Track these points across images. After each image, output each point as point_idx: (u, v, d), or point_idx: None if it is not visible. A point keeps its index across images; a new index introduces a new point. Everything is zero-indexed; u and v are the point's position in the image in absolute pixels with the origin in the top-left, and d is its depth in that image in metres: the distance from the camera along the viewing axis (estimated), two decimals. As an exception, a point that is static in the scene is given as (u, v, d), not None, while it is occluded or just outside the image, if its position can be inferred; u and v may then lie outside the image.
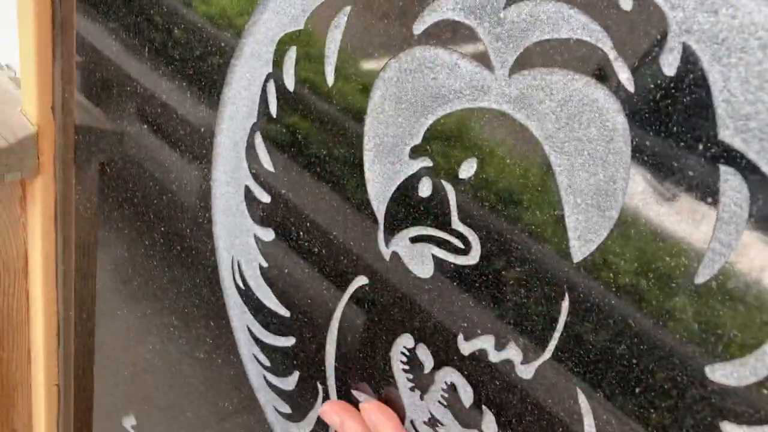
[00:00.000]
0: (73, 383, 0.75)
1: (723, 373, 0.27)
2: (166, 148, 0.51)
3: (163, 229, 0.54)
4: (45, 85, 0.58)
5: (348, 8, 0.36)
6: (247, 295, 0.48)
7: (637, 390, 0.29)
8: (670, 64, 0.26)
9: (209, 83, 0.45)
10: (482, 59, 0.31)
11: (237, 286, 0.49)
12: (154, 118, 0.51)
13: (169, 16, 0.47)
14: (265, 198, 0.44)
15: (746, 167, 0.25)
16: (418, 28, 0.33)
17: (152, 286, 0.58)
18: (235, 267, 0.48)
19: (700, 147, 0.26)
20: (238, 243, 0.47)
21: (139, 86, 0.52)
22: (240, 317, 0.49)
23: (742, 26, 0.24)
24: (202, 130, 0.47)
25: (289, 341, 0.46)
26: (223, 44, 0.43)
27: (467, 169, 0.33)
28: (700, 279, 0.27)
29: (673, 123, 0.26)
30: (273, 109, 0.41)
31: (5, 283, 0.71)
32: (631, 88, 0.27)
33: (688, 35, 0.25)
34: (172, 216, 0.53)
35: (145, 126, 0.52)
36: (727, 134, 0.25)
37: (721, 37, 0.24)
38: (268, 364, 0.48)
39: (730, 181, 0.25)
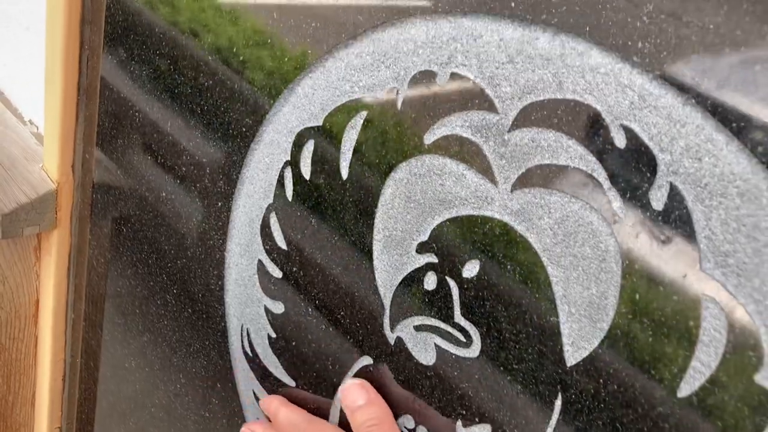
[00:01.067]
0: (75, 428, 0.76)
1: (702, 481, 0.29)
2: (184, 216, 0.54)
3: (175, 290, 0.56)
4: (67, 145, 0.61)
5: (364, 113, 0.38)
6: (254, 361, 0.50)
7: (622, 489, 0.32)
8: (658, 199, 0.28)
9: (228, 163, 0.48)
10: (486, 173, 0.34)
11: (245, 353, 0.51)
12: (174, 187, 0.54)
13: (193, 95, 0.50)
14: (277, 273, 0.47)
15: (724, 297, 0.27)
16: (429, 138, 0.36)
17: (162, 344, 0.60)
18: (244, 334, 0.51)
19: (685, 276, 0.28)
20: (248, 312, 0.50)
21: (160, 156, 0.55)
22: (246, 382, 0.51)
23: (723, 174, 0.27)
24: (219, 204, 0.50)
25: (293, 409, 0.48)
26: (244, 129, 0.46)
27: (470, 270, 0.36)
28: (682, 393, 0.29)
29: (660, 252, 0.29)
30: (289, 194, 0.44)
31: (16, 329, 0.73)
32: (622, 216, 0.30)
33: (675, 176, 0.28)
34: (186, 279, 0.55)
35: (164, 194, 0.55)
36: (708, 267, 0.28)
37: (704, 181, 0.27)
38: (272, 429, 0.50)
39: (711, 309, 0.28)
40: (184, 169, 0.52)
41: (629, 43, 0.28)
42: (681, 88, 0.27)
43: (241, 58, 0.46)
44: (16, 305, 0.71)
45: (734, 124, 0.26)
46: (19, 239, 0.67)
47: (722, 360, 0.28)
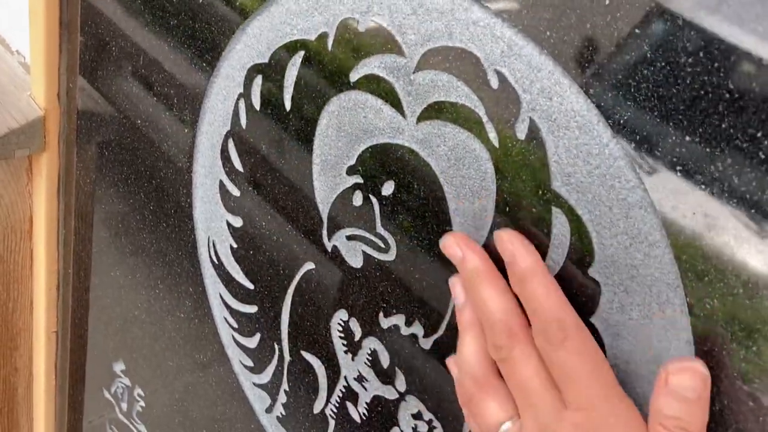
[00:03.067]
0: (70, 331, 0.85)
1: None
2: (156, 141, 0.60)
3: (152, 207, 0.64)
4: (52, 75, 0.67)
5: (302, 52, 0.45)
6: (219, 268, 0.58)
7: (499, 362, 0.40)
8: (521, 131, 0.35)
9: (193, 94, 0.54)
10: (398, 107, 0.40)
11: (211, 261, 0.59)
12: (147, 116, 0.60)
13: (161, 33, 0.56)
14: (235, 192, 0.54)
15: (568, 210, 0.35)
16: (353, 76, 0.42)
17: (142, 255, 0.67)
18: (210, 245, 0.58)
19: (540, 192, 0.35)
20: (213, 226, 0.57)
21: (135, 88, 0.61)
22: (213, 286, 0.59)
23: (567, 111, 0.33)
24: (186, 131, 0.56)
25: (252, 309, 0.56)
26: (204, 64, 0.52)
27: (387, 188, 0.43)
28: (540, 285, 0.37)
29: (523, 173, 0.36)
30: (243, 122, 0.51)
31: (12, 242, 0.80)
32: (496, 144, 0.36)
33: (533, 112, 0.35)
34: (160, 197, 0.62)
35: (139, 121, 0.62)
36: (557, 185, 0.35)
37: (554, 116, 0.34)
38: (235, 325, 0.59)
39: (559, 218, 0.35)
40: (155, 99, 0.59)
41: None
42: (538, 40, 0.34)
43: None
44: (12, 221, 0.79)
45: (573, 71, 0.33)
46: (12, 161, 0.74)
47: (566, 258, 0.35)
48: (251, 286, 0.56)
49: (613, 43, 0.32)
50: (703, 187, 0.30)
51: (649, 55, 0.30)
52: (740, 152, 0.29)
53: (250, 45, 0.48)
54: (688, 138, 0.30)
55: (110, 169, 0.68)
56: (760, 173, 0.28)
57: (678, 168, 0.31)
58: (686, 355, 0.32)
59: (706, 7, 0.28)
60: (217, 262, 0.58)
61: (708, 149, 0.29)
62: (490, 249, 0.38)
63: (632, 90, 0.31)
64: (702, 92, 0.29)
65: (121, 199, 0.68)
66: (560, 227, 0.35)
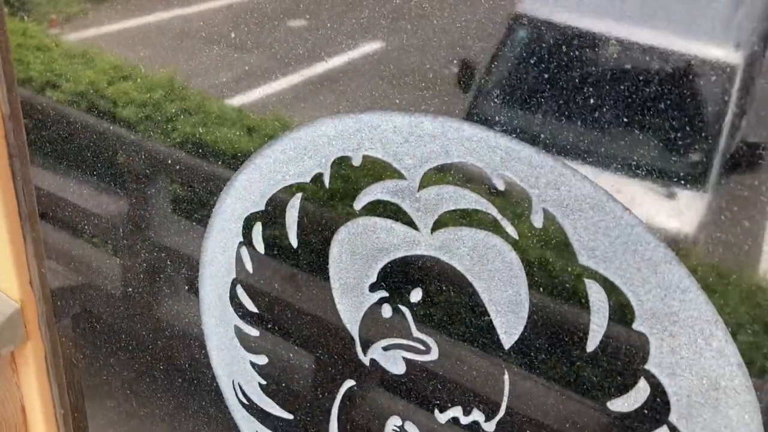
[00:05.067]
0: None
1: (617, 404, 0.41)
2: (154, 304, 0.61)
3: (162, 366, 0.64)
4: (21, 266, 0.67)
5: (300, 194, 0.47)
6: (251, 407, 0.59)
7: (567, 426, 0.43)
8: (538, 220, 0.39)
9: (187, 252, 0.56)
10: (410, 223, 0.44)
11: (240, 402, 0.59)
12: (138, 282, 0.61)
13: (139, 201, 0.57)
14: (253, 332, 0.55)
15: (600, 278, 0.38)
16: (358, 205, 0.45)
17: (160, 414, 0.67)
18: (237, 387, 0.59)
19: (569, 269, 0.39)
20: (236, 369, 0.58)
21: (119, 256, 0.61)
22: (248, 426, 0.60)
23: (576, 196, 0.37)
24: (186, 288, 0.57)
25: (297, 437, 0.57)
26: (194, 223, 0.54)
27: (416, 296, 0.46)
28: (590, 349, 0.40)
29: (548, 255, 0.39)
30: (249, 267, 0.53)
31: (9, 439, 0.77)
32: (515, 236, 0.40)
33: (545, 203, 0.38)
34: (170, 355, 0.62)
35: (130, 289, 0.62)
36: (583, 259, 0.39)
37: (565, 203, 0.38)
38: (282, 457, 0.59)
39: (593, 287, 0.39)
40: (145, 265, 0.59)
41: (489, 118, 0.38)
42: (534, 142, 0.38)
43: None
44: (4, 417, 0.76)
45: (573, 162, 0.37)
46: (-6, 359, 0.72)
47: (609, 319, 0.39)
48: (290, 417, 0.57)
49: (610, 135, 0.36)
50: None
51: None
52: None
53: (242, 197, 0.50)
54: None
55: (105, 340, 0.68)
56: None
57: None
58: (739, 376, 0.36)
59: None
60: (247, 403, 0.59)
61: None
62: (534, 329, 0.42)
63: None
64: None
65: (123, 367, 0.68)
66: (596, 294, 0.39)
